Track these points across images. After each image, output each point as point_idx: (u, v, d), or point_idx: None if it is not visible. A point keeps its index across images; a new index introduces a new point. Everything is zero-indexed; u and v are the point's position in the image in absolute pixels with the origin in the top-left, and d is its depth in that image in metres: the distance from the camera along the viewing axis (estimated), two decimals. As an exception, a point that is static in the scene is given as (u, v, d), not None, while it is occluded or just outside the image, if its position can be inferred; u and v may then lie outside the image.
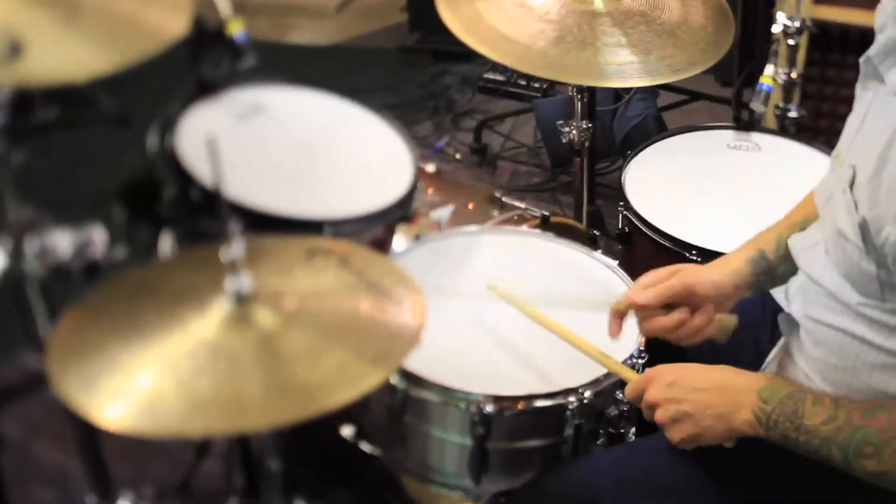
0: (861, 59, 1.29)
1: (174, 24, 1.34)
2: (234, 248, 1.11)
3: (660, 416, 1.31)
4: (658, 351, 1.52)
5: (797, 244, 1.39)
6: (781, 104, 2.34)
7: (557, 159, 3.11)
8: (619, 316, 1.47)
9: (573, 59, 1.94)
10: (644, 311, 1.45)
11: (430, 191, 2.04)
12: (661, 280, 1.45)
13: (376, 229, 1.55)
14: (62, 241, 1.28)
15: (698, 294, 1.43)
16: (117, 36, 1.28)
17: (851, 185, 1.21)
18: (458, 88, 3.75)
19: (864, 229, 1.19)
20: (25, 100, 1.31)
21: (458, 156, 3.07)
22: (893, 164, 1.16)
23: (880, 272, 1.19)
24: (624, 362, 1.49)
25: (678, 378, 1.32)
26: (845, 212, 1.22)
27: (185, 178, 1.40)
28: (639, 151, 2.08)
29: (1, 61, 1.13)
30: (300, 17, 4.72)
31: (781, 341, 1.45)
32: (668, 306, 1.44)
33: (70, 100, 1.39)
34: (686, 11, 2.08)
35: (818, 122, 2.72)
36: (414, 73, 3.93)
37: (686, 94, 3.26)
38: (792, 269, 1.41)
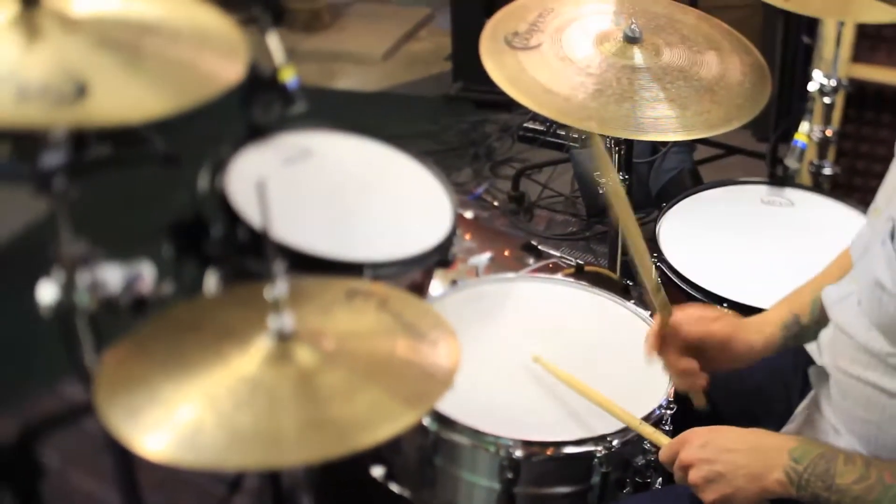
0: None
1: (230, 70, 1.38)
2: (278, 287, 1.14)
3: (693, 476, 1.31)
4: (686, 402, 1.53)
5: (830, 295, 1.39)
6: (816, 161, 2.35)
7: (593, 209, 3.13)
8: (658, 336, 1.48)
9: (612, 112, 1.96)
10: (672, 342, 1.46)
11: (468, 237, 2.07)
12: (708, 319, 1.46)
13: (415, 273, 1.58)
14: (112, 276, 1.31)
15: (731, 350, 1.44)
16: (176, 80, 1.31)
17: (892, 236, 1.22)
18: (497, 137, 3.79)
19: None
20: (81, 138, 1.35)
21: (495, 203, 3.11)
22: None
23: None
24: (652, 412, 1.50)
25: (711, 439, 1.33)
26: (885, 263, 1.22)
27: (232, 218, 1.43)
28: (673, 204, 2.09)
29: (66, 102, 1.17)
30: (347, 63, 4.79)
31: (811, 394, 1.45)
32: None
33: (123, 139, 1.43)
34: (724, 67, 2.10)
35: (852, 180, 2.72)
36: (455, 121, 3.98)
37: (722, 148, 3.28)
38: (822, 325, 1.41)
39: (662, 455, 1.38)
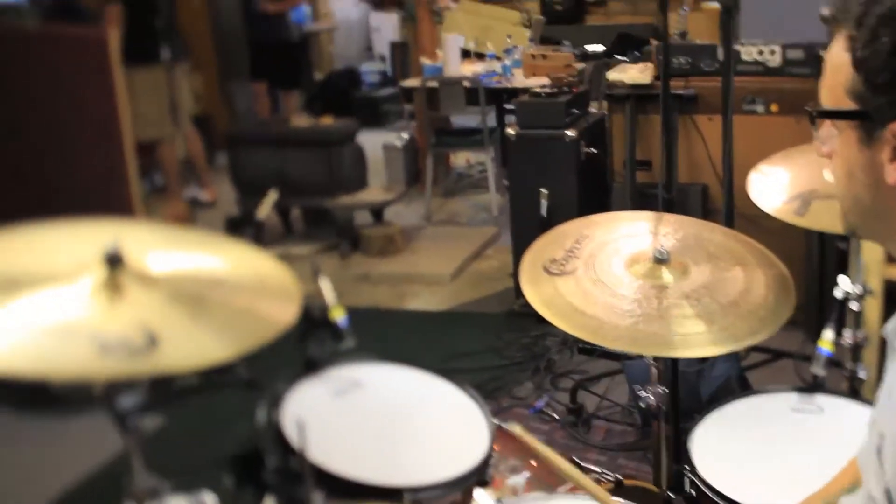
0: (884, 331, 1.37)
1: (285, 313, 1.52)
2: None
3: None
4: None
5: None
6: (850, 365, 2.39)
7: (648, 419, 3.17)
8: None
9: (643, 331, 2.05)
10: None
11: (509, 455, 2.13)
12: None
13: (454, 494, 1.65)
14: (179, 508, 1.42)
15: None
16: (237, 326, 1.46)
17: (879, 451, 1.28)
18: (557, 350, 3.88)
19: (889, 497, 1.24)
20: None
21: (555, 416, 3.17)
22: None
23: None
24: None
25: None
26: (874, 477, 1.27)
27: (286, 449, 1.55)
28: (704, 416, 2.14)
29: (140, 354, 1.31)
30: (418, 284, 5.00)
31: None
32: None
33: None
34: (749, 281, 2.18)
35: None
36: (518, 336, 4.10)
37: (770, 352, 3.33)
38: None
39: None
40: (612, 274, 2.17)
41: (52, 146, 3.93)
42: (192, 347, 1.38)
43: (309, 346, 1.67)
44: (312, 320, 1.65)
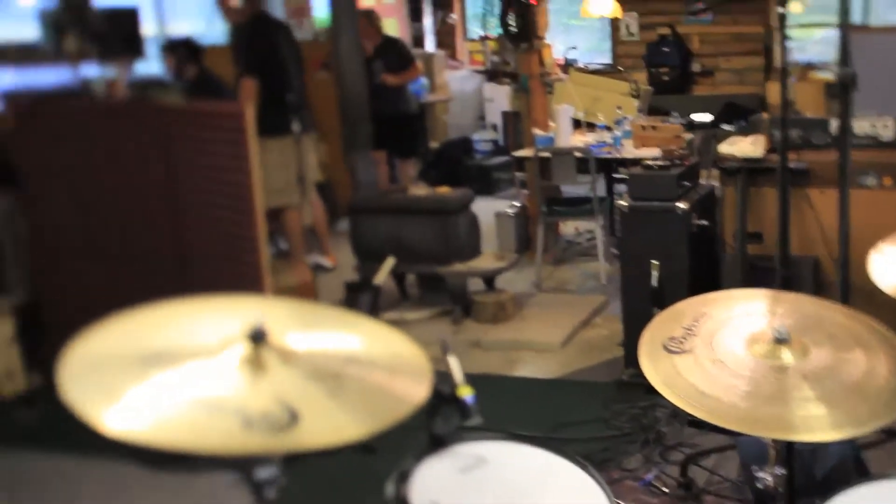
0: None
1: (417, 392, 1.54)
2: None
3: None
4: None
5: None
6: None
7: (759, 496, 3.06)
8: None
9: (763, 413, 2.00)
10: None
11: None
12: None
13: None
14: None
15: None
16: (372, 404, 1.48)
17: None
18: (667, 422, 3.80)
19: None
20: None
21: (665, 489, 3.10)
22: None
23: None
24: None
25: None
26: None
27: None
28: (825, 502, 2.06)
29: (281, 430, 1.34)
30: (528, 351, 4.98)
31: None
32: None
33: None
34: (870, 364, 2.11)
35: None
36: (627, 407, 4.03)
37: (889, 433, 3.20)
38: None
39: None
40: (731, 353, 2.14)
41: (192, 212, 4.07)
42: (330, 425, 1.41)
43: (436, 421, 1.68)
44: (441, 396, 1.66)
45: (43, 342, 4.40)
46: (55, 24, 5.92)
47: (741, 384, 2.06)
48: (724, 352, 2.14)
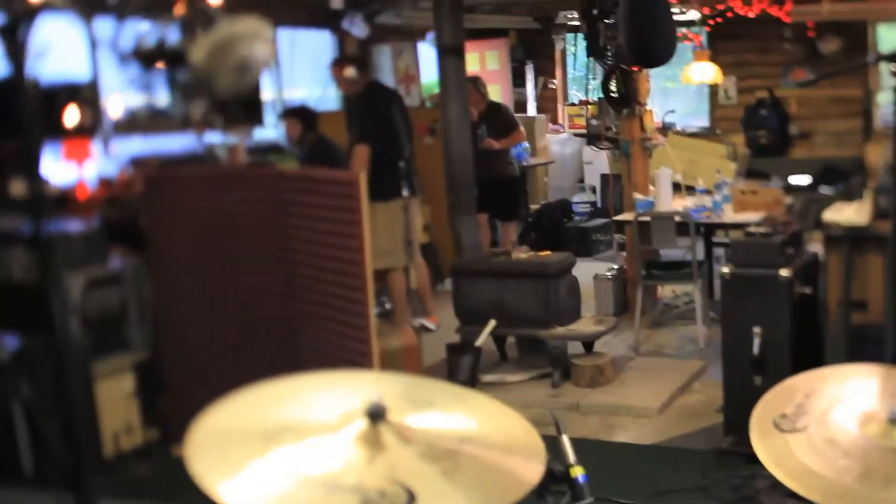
0: None
1: (532, 471, 1.51)
2: None
3: None
4: None
5: None
6: None
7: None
8: None
9: (879, 496, 1.92)
10: None
11: None
12: None
13: None
14: None
15: None
16: (487, 486, 1.45)
17: None
18: (768, 492, 3.67)
19: None
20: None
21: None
22: None
23: None
24: None
25: None
26: None
27: None
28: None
29: (397, 510, 1.33)
30: (626, 416, 4.87)
31: None
32: None
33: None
34: None
35: None
36: (726, 476, 3.90)
37: None
38: None
39: None
40: (844, 432, 2.05)
41: (304, 275, 4.13)
42: (446, 507, 1.39)
43: (547, 501, 1.65)
44: (553, 476, 1.63)
45: (160, 399, 4.49)
46: (184, 91, 6.13)
47: (855, 466, 1.97)
48: (837, 431, 2.06)
